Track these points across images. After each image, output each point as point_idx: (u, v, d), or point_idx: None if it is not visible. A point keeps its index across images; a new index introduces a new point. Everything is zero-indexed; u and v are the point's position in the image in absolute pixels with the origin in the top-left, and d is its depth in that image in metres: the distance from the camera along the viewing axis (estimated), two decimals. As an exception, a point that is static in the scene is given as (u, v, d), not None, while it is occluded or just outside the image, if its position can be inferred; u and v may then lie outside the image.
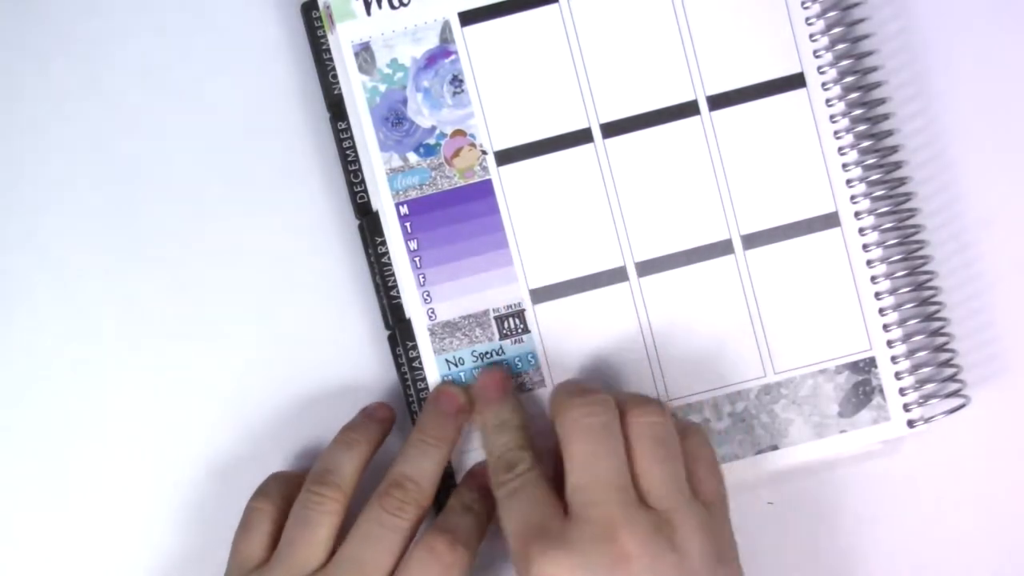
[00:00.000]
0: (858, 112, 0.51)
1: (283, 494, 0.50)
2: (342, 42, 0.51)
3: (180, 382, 0.54)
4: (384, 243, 0.52)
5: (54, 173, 0.53)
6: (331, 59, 0.52)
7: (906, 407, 0.51)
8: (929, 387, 0.52)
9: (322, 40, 0.52)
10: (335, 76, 0.52)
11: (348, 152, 0.52)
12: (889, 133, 0.52)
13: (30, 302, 0.54)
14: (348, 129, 0.52)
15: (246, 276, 0.54)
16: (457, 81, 0.51)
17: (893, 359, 0.51)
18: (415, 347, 0.52)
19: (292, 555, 0.48)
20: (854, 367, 0.52)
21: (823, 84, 0.51)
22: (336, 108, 0.52)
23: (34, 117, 0.53)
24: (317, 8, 0.52)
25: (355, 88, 0.51)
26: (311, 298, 0.54)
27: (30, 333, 0.54)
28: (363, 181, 0.52)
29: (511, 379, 0.51)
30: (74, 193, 0.53)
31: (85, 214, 0.53)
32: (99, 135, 0.53)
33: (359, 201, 0.52)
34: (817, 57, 0.51)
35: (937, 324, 0.52)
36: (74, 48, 0.53)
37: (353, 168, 0.52)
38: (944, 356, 0.52)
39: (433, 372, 0.52)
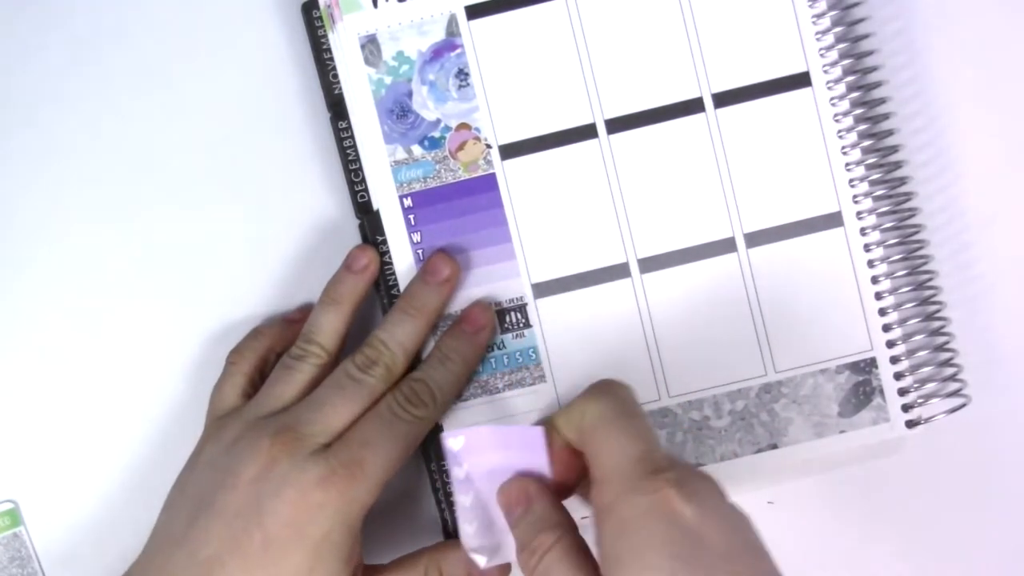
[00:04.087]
0: (862, 111, 0.52)
1: (258, 351, 0.52)
2: (348, 34, 0.51)
3: (177, 379, 0.54)
4: (385, 242, 0.52)
5: (52, 175, 0.53)
6: (331, 59, 0.52)
7: (906, 407, 0.52)
8: (929, 387, 0.52)
9: (322, 40, 0.52)
10: (335, 76, 0.52)
11: (349, 151, 0.52)
12: (891, 132, 0.52)
13: (29, 300, 0.53)
14: (349, 128, 0.52)
15: (246, 275, 0.53)
16: (463, 74, 0.51)
17: (893, 359, 0.52)
18: (416, 343, 0.52)
19: (268, 394, 0.49)
20: (855, 367, 0.52)
21: (827, 83, 0.51)
22: (337, 107, 0.52)
23: (34, 116, 0.53)
24: (317, 8, 0.52)
25: (360, 80, 0.51)
26: (311, 297, 0.53)
27: (28, 330, 0.53)
28: (364, 180, 0.52)
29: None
30: (73, 194, 0.53)
31: (84, 215, 0.53)
32: (99, 135, 0.53)
33: (360, 200, 0.52)
34: (822, 56, 0.51)
35: (937, 324, 0.52)
36: (74, 47, 0.53)
37: (354, 167, 0.52)
38: (944, 356, 0.52)
39: (433, 368, 0.51)
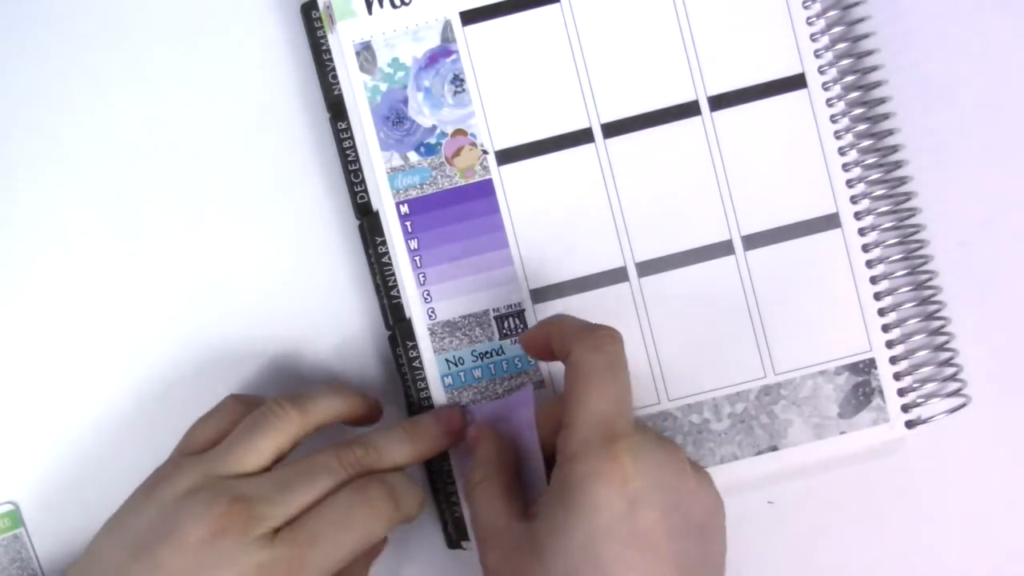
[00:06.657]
0: (859, 112, 0.51)
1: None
2: (343, 41, 0.51)
3: (179, 383, 0.54)
4: (384, 243, 0.52)
5: (52, 174, 0.53)
6: (331, 59, 0.52)
7: (905, 408, 0.51)
8: (929, 387, 0.52)
9: (322, 40, 0.52)
10: (335, 76, 0.52)
11: (348, 152, 0.52)
12: (889, 132, 0.52)
13: (30, 303, 0.54)
14: (348, 129, 0.52)
15: (246, 276, 0.54)
16: (458, 80, 0.51)
17: (893, 359, 0.51)
18: (415, 347, 0.52)
19: (229, 453, 0.47)
20: (854, 368, 0.51)
21: (824, 84, 0.51)
22: (336, 108, 0.52)
23: (33, 117, 0.53)
24: (317, 8, 0.52)
25: (356, 87, 0.51)
26: (311, 298, 0.53)
27: (28, 333, 0.54)
28: (363, 181, 0.52)
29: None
30: (73, 194, 0.53)
31: (82, 215, 0.53)
32: (99, 135, 0.53)
33: (359, 201, 0.52)
34: (818, 57, 0.51)
35: (937, 324, 0.52)
36: (74, 48, 0.53)
37: (353, 168, 0.52)
38: (944, 356, 0.52)
39: (433, 372, 0.51)
